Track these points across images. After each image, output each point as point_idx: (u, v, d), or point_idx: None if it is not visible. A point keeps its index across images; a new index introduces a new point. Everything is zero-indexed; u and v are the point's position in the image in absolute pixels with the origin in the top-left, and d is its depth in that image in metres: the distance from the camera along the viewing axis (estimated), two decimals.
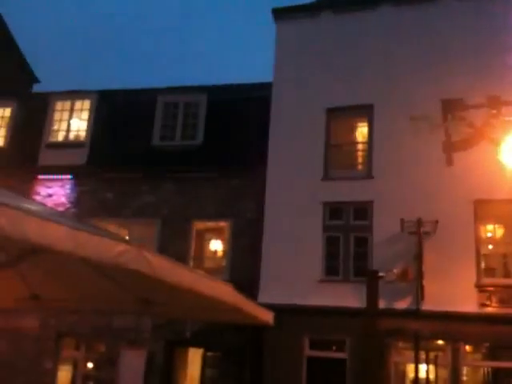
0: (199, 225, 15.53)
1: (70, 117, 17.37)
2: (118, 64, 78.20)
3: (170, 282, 4.15)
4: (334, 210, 13.80)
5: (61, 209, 15.61)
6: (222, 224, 15.38)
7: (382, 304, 12.28)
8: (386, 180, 13.34)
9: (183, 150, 16.26)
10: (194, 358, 14.85)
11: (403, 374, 12.68)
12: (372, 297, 7.96)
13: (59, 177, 16.61)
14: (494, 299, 12.11)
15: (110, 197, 16.06)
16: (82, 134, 17.13)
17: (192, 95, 17.07)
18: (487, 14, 13.95)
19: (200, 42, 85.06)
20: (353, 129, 15.07)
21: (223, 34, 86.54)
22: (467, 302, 11.92)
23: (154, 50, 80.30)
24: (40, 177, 16.72)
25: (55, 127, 17.42)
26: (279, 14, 15.80)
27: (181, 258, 14.38)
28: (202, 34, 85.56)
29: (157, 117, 16.79)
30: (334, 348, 13.04)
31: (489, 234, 13.21)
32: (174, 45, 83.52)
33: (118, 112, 17.50)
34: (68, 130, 17.28)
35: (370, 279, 8.27)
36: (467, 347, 12.26)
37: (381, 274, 8.82)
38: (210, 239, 15.66)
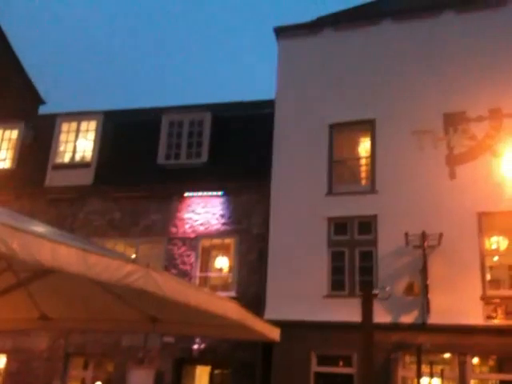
0: (205, 242, 15.65)
1: (76, 137, 17.62)
2: (121, 84, 78.90)
3: (177, 300, 4.26)
4: (338, 225, 13.88)
5: (68, 229, 15.76)
6: (228, 241, 15.49)
7: (388, 318, 12.34)
8: (390, 194, 13.43)
9: (189, 168, 16.44)
10: (202, 376, 14.87)
11: None
12: (367, 313, 8.05)
13: (66, 197, 16.79)
14: (500, 311, 12.10)
15: (116, 216, 16.23)
16: (88, 154, 17.36)
17: (196, 113, 17.28)
18: (489, 28, 14.13)
19: (203, 60, 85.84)
20: (356, 144, 15.20)
21: (226, 53, 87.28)
22: (473, 315, 11.93)
23: (156, 69, 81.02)
24: (47, 197, 16.90)
25: (62, 148, 17.66)
26: (281, 31, 16.04)
27: (187, 275, 14.49)
28: (205, 53, 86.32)
29: (162, 135, 17.00)
30: (341, 363, 13.05)
31: (493, 246, 13.23)
32: (177, 64, 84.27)
33: (123, 132, 17.74)
34: (74, 151, 17.51)
35: (365, 297, 8.37)
36: (474, 360, 12.23)
37: (375, 291, 8.89)
38: (216, 256, 15.75)
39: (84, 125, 17.73)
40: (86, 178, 16.90)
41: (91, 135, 17.54)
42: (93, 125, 17.65)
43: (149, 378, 13.72)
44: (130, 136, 17.53)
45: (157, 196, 16.15)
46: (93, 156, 17.25)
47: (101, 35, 79.68)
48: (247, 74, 79.32)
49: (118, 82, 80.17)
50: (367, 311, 7.70)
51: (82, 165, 17.24)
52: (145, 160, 16.83)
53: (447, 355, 12.28)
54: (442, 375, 11.50)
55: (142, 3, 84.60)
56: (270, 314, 12.66)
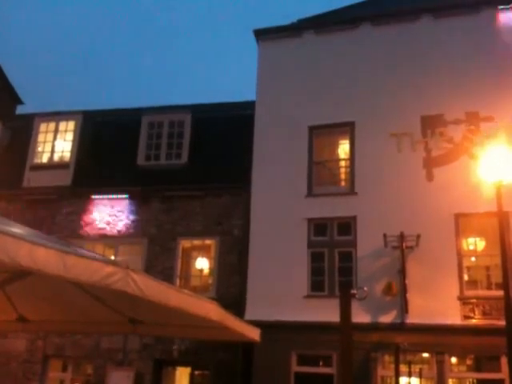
0: (186, 243, 15.61)
1: (55, 138, 17.43)
2: (100, 84, 78.28)
3: (157, 301, 4.26)
4: (318, 226, 13.98)
5: (46, 230, 15.59)
6: (209, 242, 15.48)
7: (367, 318, 12.46)
8: (369, 196, 13.57)
9: (169, 168, 16.38)
10: (182, 377, 14.83)
11: None
12: (345, 313, 8.13)
13: (44, 198, 16.61)
14: (477, 311, 12.30)
15: (95, 217, 16.09)
16: (67, 154, 17.19)
17: (176, 114, 17.22)
18: (467, 33, 14.36)
19: (183, 61, 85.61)
20: (335, 146, 15.32)
21: (207, 53, 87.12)
22: (451, 315, 12.11)
23: (135, 69, 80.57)
24: (25, 198, 16.70)
25: (40, 149, 17.45)
26: (261, 34, 16.09)
27: (167, 276, 14.44)
28: (186, 53, 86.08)
29: (142, 136, 16.91)
30: (321, 363, 13.13)
31: (471, 247, 13.44)
32: (156, 64, 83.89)
33: (102, 132, 17.60)
34: (52, 152, 17.33)
35: (343, 297, 8.44)
36: (452, 359, 12.41)
37: (353, 291, 8.98)
38: (196, 257, 15.73)
39: (62, 125, 17.56)
40: (65, 178, 16.73)
41: (70, 136, 17.37)
42: (71, 125, 17.48)
43: (128, 379, 13.63)
44: (109, 137, 17.41)
45: (136, 197, 16.05)
46: (71, 157, 17.08)
47: (82, 35, 79.04)
48: (228, 75, 79.28)
49: (98, 83, 79.50)
50: (345, 311, 7.76)
51: (61, 165, 17.06)
52: (124, 161, 16.71)
53: (425, 355, 12.44)
54: (420, 374, 11.64)
55: (122, 2, 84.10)
56: (250, 314, 12.70)
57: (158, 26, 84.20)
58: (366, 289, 10.73)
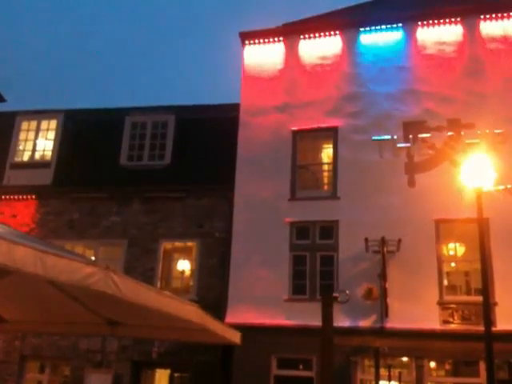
0: (167, 245, 15.52)
1: (36, 136, 17.24)
2: (83, 83, 77.60)
3: (137, 303, 4.23)
4: (300, 230, 14.01)
5: (25, 229, 15.39)
6: (190, 244, 15.40)
7: (348, 322, 12.50)
8: (351, 200, 13.64)
9: (151, 169, 16.29)
10: (161, 379, 14.73)
11: None
12: (326, 317, 8.17)
13: (24, 197, 16.40)
14: (456, 316, 12.42)
15: (76, 217, 15.94)
16: (48, 153, 17.01)
17: (160, 115, 17.14)
18: (450, 40, 14.56)
19: (169, 61, 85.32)
20: (319, 150, 15.38)
21: (192, 55, 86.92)
22: (430, 319, 12.21)
23: (120, 69, 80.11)
24: (4, 197, 16.47)
25: (21, 147, 17.25)
26: (246, 37, 16.09)
27: (148, 278, 14.34)
28: (171, 54, 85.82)
29: (124, 136, 16.80)
30: (300, 367, 13.13)
31: (451, 253, 13.57)
32: (142, 65, 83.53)
33: (85, 131, 17.44)
34: (34, 150, 17.14)
35: (325, 301, 8.49)
36: (431, 364, 12.50)
37: (336, 294, 9.06)
38: (178, 259, 15.65)
39: (44, 124, 17.37)
40: (45, 177, 16.54)
41: (51, 134, 17.19)
42: (53, 124, 17.30)
43: (106, 381, 13.51)
44: (91, 136, 17.25)
45: (118, 197, 15.93)
46: (52, 155, 16.91)
47: (67, 34, 78.34)
48: (214, 76, 79.15)
49: (82, 82, 78.86)
50: (327, 314, 7.79)
51: (42, 164, 16.87)
52: (106, 161, 16.59)
53: (405, 359, 12.52)
54: (399, 378, 11.71)
55: (107, 1, 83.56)
56: (231, 317, 12.67)
57: (145, 26, 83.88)
58: (347, 292, 10.79)
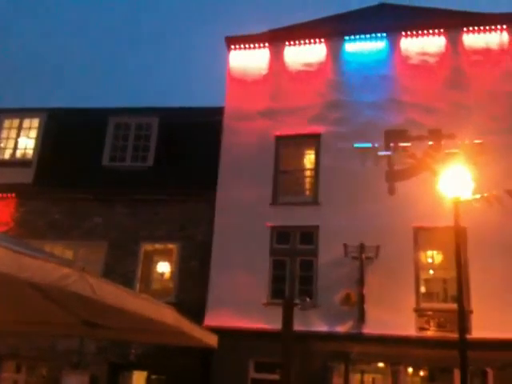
0: (148, 247, 15.50)
1: (18, 135, 17.12)
2: (68, 82, 77.05)
3: (112, 305, 4.25)
4: (281, 234, 14.10)
5: (4, 228, 15.27)
6: (171, 246, 15.40)
7: (325, 327, 12.60)
8: (332, 206, 13.76)
9: (134, 171, 16.27)
10: (138, 382, 14.68)
11: None
12: (287, 323, 8.28)
13: (4, 195, 16.27)
14: (432, 323, 12.58)
15: (57, 218, 15.83)
16: (30, 152, 16.90)
17: (144, 117, 17.13)
18: (434, 50, 14.81)
19: (154, 64, 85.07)
20: (301, 156, 15.49)
21: (179, 58, 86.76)
22: (407, 326, 12.35)
23: (103, 69, 79.66)
24: None
25: (2, 145, 17.12)
26: (232, 42, 16.17)
27: (128, 280, 14.30)
28: (157, 57, 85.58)
29: (107, 137, 16.75)
30: (277, 370, 13.17)
31: (429, 260, 13.75)
32: (129, 65, 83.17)
33: (67, 131, 17.34)
34: (15, 148, 17.02)
35: (286, 306, 8.59)
36: (406, 370, 12.63)
37: (297, 301, 9.17)
38: (158, 261, 15.63)
39: (26, 122, 17.26)
40: (26, 176, 16.42)
41: (33, 133, 17.09)
42: (35, 122, 17.20)
43: (83, 382, 13.44)
44: (74, 136, 17.16)
45: (99, 198, 15.87)
46: (34, 154, 16.80)
47: (52, 32, 77.75)
48: (199, 79, 79.09)
49: (66, 81, 78.28)
50: (288, 321, 7.91)
51: (23, 163, 16.75)
52: (89, 161, 16.52)
53: (381, 365, 12.63)
54: None
55: (96, 2, 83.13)
56: (209, 320, 12.71)
57: (133, 27, 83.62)
58: (308, 300, 10.87)
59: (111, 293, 4.19)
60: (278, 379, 12.90)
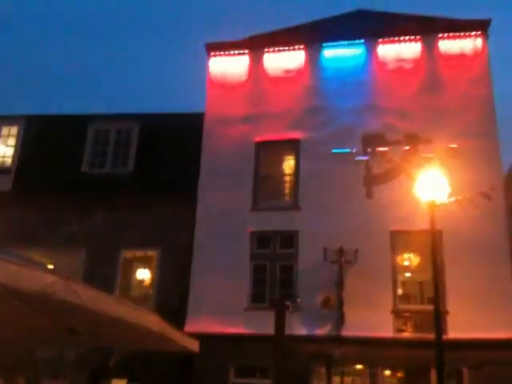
0: (127, 253, 15.47)
1: None
2: (46, 89, 76.21)
3: (98, 312, 4.31)
4: (261, 239, 14.23)
5: None
6: (151, 253, 15.39)
7: (305, 330, 12.74)
8: (311, 211, 13.94)
9: (114, 177, 16.23)
10: None
11: None
12: (279, 325, 8.38)
13: None
14: (409, 324, 12.81)
15: (35, 225, 15.70)
16: (8, 159, 16.77)
17: (124, 123, 17.12)
18: (410, 55, 15.12)
19: (135, 70, 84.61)
20: (281, 161, 15.65)
21: (159, 63, 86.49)
22: (384, 328, 12.56)
23: (84, 74, 79.03)
24: None
25: None
26: (212, 48, 16.28)
27: (107, 286, 14.24)
28: (138, 62, 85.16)
29: (87, 143, 16.70)
30: (257, 374, 13.28)
31: (406, 263, 14.00)
32: (109, 70, 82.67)
33: (46, 137, 17.24)
34: None
35: (278, 308, 8.70)
36: (384, 371, 12.83)
37: (288, 303, 9.30)
38: (138, 267, 15.60)
39: (5, 130, 17.13)
40: (5, 183, 16.28)
41: (12, 140, 16.96)
42: (14, 130, 17.07)
43: None
44: (53, 142, 17.06)
45: (79, 205, 15.80)
46: (13, 162, 16.67)
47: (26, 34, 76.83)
48: (180, 85, 78.97)
49: (43, 87, 77.46)
50: (280, 324, 8.00)
51: (1, 170, 16.61)
52: (68, 168, 16.44)
53: (359, 366, 12.81)
54: None
55: (71, 3, 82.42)
56: (190, 326, 12.75)
57: (110, 28, 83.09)
58: (299, 300, 11.01)
59: (96, 299, 4.24)
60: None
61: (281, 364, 8.00)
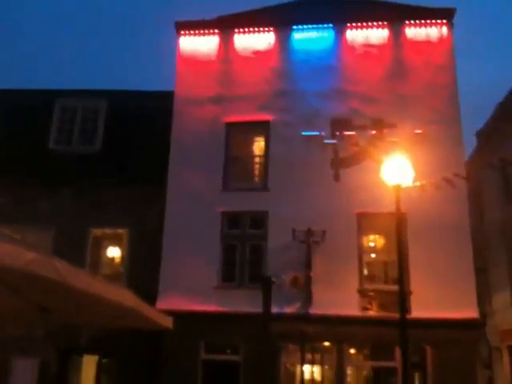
0: (97, 232, 15.44)
1: None
2: (13, 63, 74.05)
3: (79, 289, 4.39)
4: (231, 220, 14.40)
5: None
6: (121, 231, 15.39)
7: (274, 309, 13.01)
8: (281, 192, 14.15)
9: (81, 155, 16.09)
10: (89, 366, 14.70)
11: (293, 374, 13.45)
12: (266, 301, 8.60)
13: None
14: (374, 303, 13.23)
15: (2, 202, 15.48)
16: None
17: (92, 99, 16.92)
18: (378, 41, 15.33)
19: (105, 48, 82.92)
20: (251, 143, 15.78)
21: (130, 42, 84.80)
22: (350, 306, 12.96)
23: (53, 50, 77.10)
24: None
25: None
26: (182, 27, 16.17)
27: (77, 265, 14.19)
28: (108, 40, 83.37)
29: (54, 120, 16.47)
30: (228, 351, 13.57)
31: (371, 244, 14.40)
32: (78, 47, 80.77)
33: (12, 113, 16.93)
34: None
35: (265, 285, 8.91)
36: (351, 348, 13.26)
37: (273, 279, 9.56)
38: (108, 246, 15.60)
39: None
40: None
41: None
42: None
43: (33, 369, 13.37)
44: (18, 118, 16.77)
45: (46, 182, 15.63)
46: None
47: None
48: (149, 64, 77.74)
49: (9, 62, 75.19)
50: (267, 300, 8.21)
51: None
52: (34, 144, 16.19)
53: (327, 343, 13.21)
54: (321, 362, 12.37)
55: None
56: (161, 304, 12.88)
57: (84, 12, 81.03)
58: (283, 277, 11.32)
59: (77, 277, 4.33)
60: (228, 360, 13.34)
61: (264, 342, 8.21)
